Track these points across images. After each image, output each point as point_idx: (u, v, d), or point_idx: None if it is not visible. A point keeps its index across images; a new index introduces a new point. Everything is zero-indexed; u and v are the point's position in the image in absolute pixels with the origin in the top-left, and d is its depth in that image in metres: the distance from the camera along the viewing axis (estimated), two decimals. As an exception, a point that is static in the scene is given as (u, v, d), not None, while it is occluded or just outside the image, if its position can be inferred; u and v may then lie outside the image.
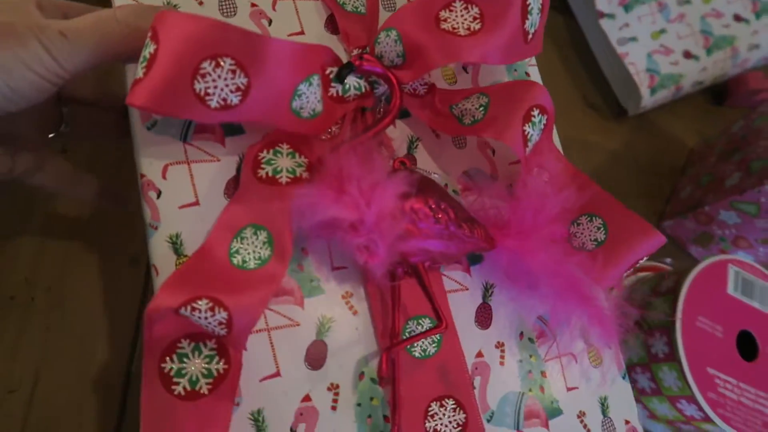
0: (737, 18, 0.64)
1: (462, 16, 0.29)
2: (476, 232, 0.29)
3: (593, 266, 0.30)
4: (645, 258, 0.33)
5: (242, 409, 0.27)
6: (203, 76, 0.24)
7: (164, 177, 0.28)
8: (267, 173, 0.28)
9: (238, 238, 0.27)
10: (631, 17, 0.59)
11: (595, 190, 0.33)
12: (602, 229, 0.32)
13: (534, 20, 0.30)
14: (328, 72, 0.29)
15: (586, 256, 0.31)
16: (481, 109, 0.30)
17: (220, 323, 0.24)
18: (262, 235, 0.27)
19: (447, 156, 0.33)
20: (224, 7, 0.32)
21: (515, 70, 0.37)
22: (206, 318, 0.24)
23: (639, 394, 0.45)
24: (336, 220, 0.26)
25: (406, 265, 0.29)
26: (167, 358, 0.25)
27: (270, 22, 0.32)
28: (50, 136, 0.35)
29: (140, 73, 0.25)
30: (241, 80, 0.25)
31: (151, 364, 0.25)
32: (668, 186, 0.64)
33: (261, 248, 0.27)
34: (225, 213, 0.27)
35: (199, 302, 0.24)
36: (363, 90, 0.31)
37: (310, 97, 0.28)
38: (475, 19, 0.29)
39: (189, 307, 0.24)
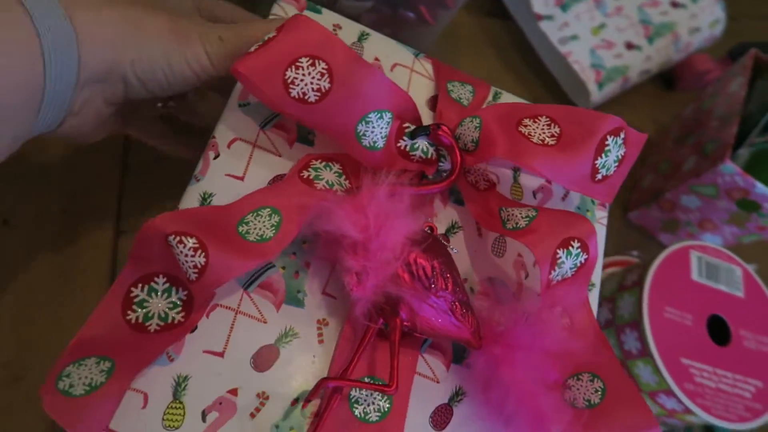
0: (674, 4, 0.64)
1: (542, 129, 0.31)
2: (468, 320, 0.29)
3: (573, 425, 0.29)
4: None
5: (173, 367, 0.27)
6: (297, 68, 0.28)
7: (228, 147, 0.31)
8: (309, 176, 0.30)
9: (254, 214, 0.28)
10: (569, 16, 0.60)
11: (608, 356, 0.32)
12: (600, 393, 0.30)
13: (608, 164, 0.32)
14: (405, 125, 0.32)
15: (571, 411, 0.29)
16: (526, 219, 0.31)
17: (196, 267, 0.25)
18: (275, 219, 0.28)
19: (481, 256, 0.33)
20: (353, 48, 0.36)
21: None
22: (186, 255, 0.25)
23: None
24: (342, 235, 0.27)
25: (387, 315, 0.28)
26: (139, 285, 0.26)
27: None
28: (158, 105, 0.38)
29: (252, 50, 0.28)
30: (325, 84, 0.28)
31: (123, 281, 0.26)
32: (629, 176, 0.64)
33: (268, 228, 0.27)
34: (258, 192, 0.29)
35: (188, 239, 0.25)
36: (429, 156, 0.32)
37: (375, 129, 0.30)
38: (552, 136, 0.31)
39: (177, 238, 0.25)
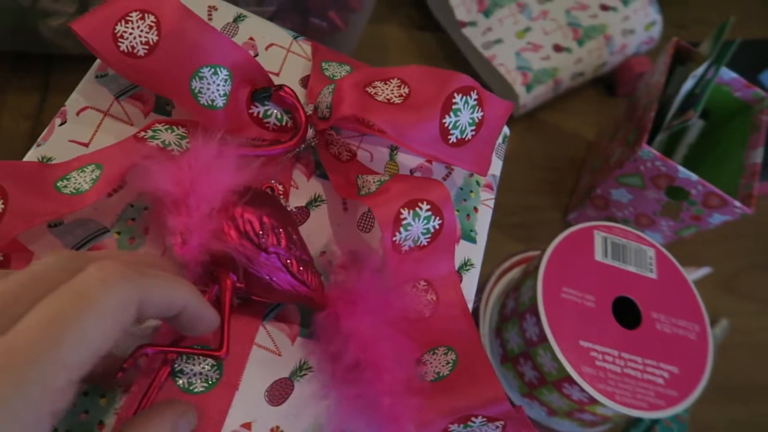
0: (604, 7, 0.64)
1: (391, 89, 0.31)
2: (306, 277, 0.27)
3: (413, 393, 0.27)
4: (480, 417, 0.28)
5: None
6: (127, 22, 0.28)
7: (77, 114, 0.31)
8: (144, 137, 0.29)
9: (79, 170, 0.28)
10: (492, 21, 0.60)
11: (466, 328, 0.30)
12: (450, 365, 0.29)
13: (461, 125, 0.31)
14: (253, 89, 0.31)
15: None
16: (377, 183, 0.30)
17: None
18: (96, 174, 0.27)
19: (345, 231, 0.32)
20: (227, 28, 0.36)
21: (464, 199, 0.36)
22: None
23: (530, 389, 0.41)
24: (163, 193, 0.25)
25: (219, 278, 0.27)
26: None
27: (256, 56, 0.35)
28: None
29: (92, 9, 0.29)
30: (153, 37, 0.28)
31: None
32: (570, 181, 0.62)
33: (86, 183, 0.27)
34: (92, 153, 0.29)
35: None
36: (284, 123, 0.32)
37: (211, 86, 0.30)
38: (400, 96, 0.31)
39: None
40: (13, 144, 0.48)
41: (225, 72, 0.30)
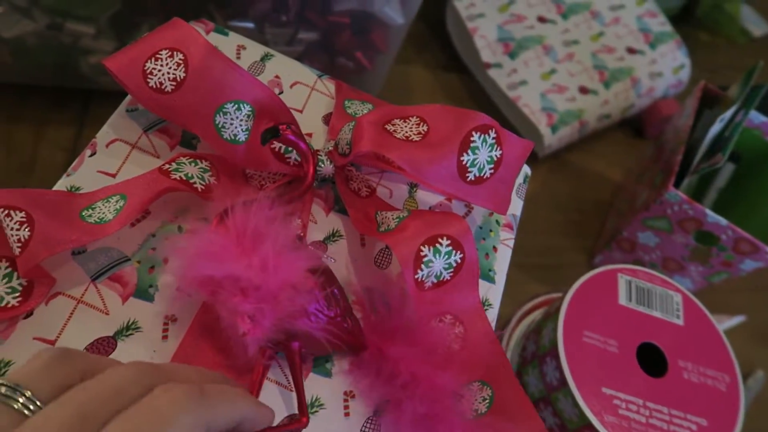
0: (630, 50, 0.64)
1: (410, 127, 0.31)
2: (354, 329, 0.28)
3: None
4: None
5: None
6: (156, 59, 0.30)
7: (107, 146, 0.32)
8: (169, 169, 0.30)
9: (104, 201, 0.28)
10: (517, 63, 0.61)
11: (501, 363, 0.30)
12: (487, 401, 0.29)
13: (479, 163, 0.31)
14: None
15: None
16: (396, 220, 0.31)
17: (19, 240, 0.26)
18: (120, 204, 0.28)
19: (362, 267, 0.33)
20: (254, 66, 0.37)
21: (483, 238, 0.36)
22: (12, 229, 0.26)
23: (551, 435, 0.40)
24: (231, 278, 0.25)
25: (282, 345, 0.27)
26: None
27: (280, 93, 0.37)
28: None
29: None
30: (181, 73, 0.29)
31: None
32: (595, 223, 0.61)
33: (110, 212, 0.28)
34: (118, 183, 0.30)
35: (16, 213, 0.26)
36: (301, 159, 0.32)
37: (234, 121, 0.31)
38: (418, 133, 0.31)
39: (6, 212, 0.26)
40: (48, 174, 0.50)
41: (248, 108, 0.31)
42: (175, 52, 0.30)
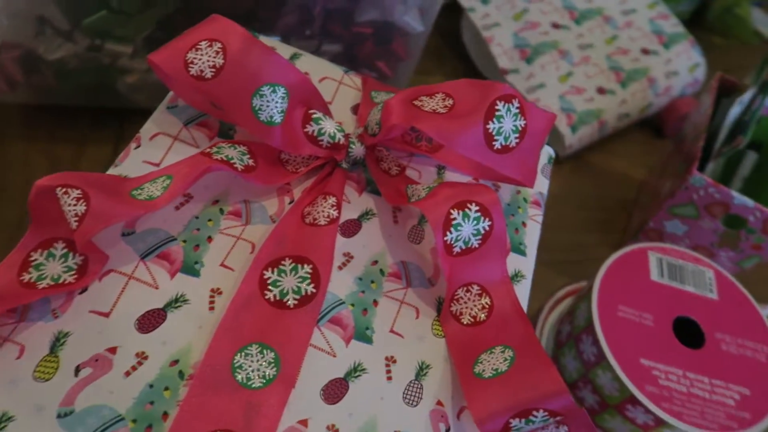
0: (645, 51, 0.66)
1: (436, 102, 0.33)
2: None
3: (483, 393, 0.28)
4: (541, 411, 0.27)
5: (56, 323, 0.27)
6: (197, 50, 0.31)
7: (150, 139, 0.34)
8: (209, 151, 0.32)
9: (152, 182, 0.30)
10: (534, 68, 0.62)
11: (524, 329, 0.31)
12: (508, 361, 0.29)
13: (505, 131, 0.32)
14: (311, 111, 0.34)
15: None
16: (426, 189, 0.32)
17: (76, 215, 0.27)
18: (166, 183, 0.30)
19: (396, 241, 0.34)
20: None
21: (512, 214, 0.37)
22: (69, 205, 0.27)
23: (591, 417, 0.39)
24: None
25: None
26: (39, 250, 0.28)
27: None
28: None
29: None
30: (219, 60, 0.31)
31: (24, 247, 0.28)
32: (621, 220, 0.62)
33: (158, 190, 0.29)
34: (162, 168, 0.31)
35: (73, 190, 0.28)
36: (337, 140, 0.34)
37: (270, 103, 0.32)
38: (445, 107, 0.33)
39: (63, 190, 0.28)
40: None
41: (282, 90, 0.32)
42: (214, 42, 0.32)
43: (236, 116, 0.32)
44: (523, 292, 0.34)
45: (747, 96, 0.48)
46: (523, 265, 0.35)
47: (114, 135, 0.56)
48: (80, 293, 0.28)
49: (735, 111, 0.48)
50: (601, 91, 0.62)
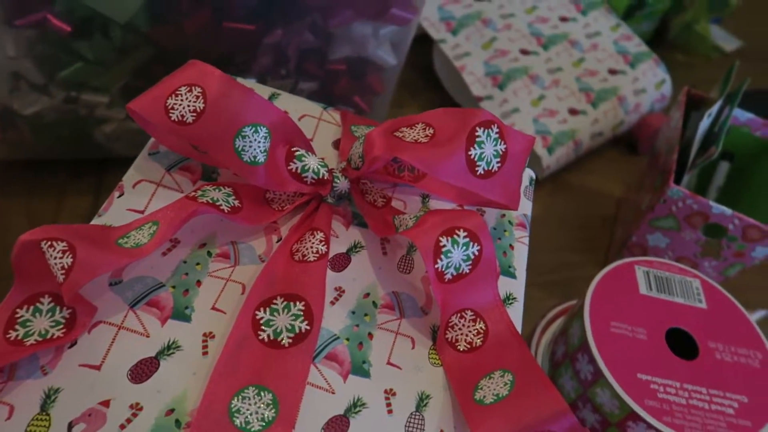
0: (612, 71, 0.68)
1: (417, 132, 0.34)
2: None
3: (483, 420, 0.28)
4: None
5: (45, 380, 0.26)
6: (177, 95, 0.32)
7: (133, 187, 0.34)
8: (194, 195, 0.32)
9: (138, 230, 0.30)
10: (507, 93, 0.64)
11: (521, 352, 0.30)
12: (508, 385, 0.29)
13: (486, 156, 0.33)
14: (294, 149, 0.34)
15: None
16: (414, 219, 0.33)
17: (63, 268, 0.27)
18: (153, 229, 0.30)
19: (386, 272, 0.34)
20: None
21: (499, 238, 0.37)
22: (55, 258, 0.27)
23: (593, 436, 0.39)
24: None
25: None
26: (25, 306, 0.28)
27: None
28: None
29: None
30: (200, 105, 0.31)
31: (8, 305, 0.28)
32: (603, 237, 0.63)
33: (145, 237, 0.29)
34: (148, 215, 0.31)
35: (58, 243, 0.27)
36: (321, 176, 0.34)
37: (253, 143, 0.32)
38: (426, 136, 0.33)
39: (48, 243, 0.27)
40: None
41: (264, 129, 0.33)
42: (193, 87, 0.32)
43: (220, 158, 0.32)
44: (516, 314, 0.34)
45: (715, 108, 0.50)
46: (514, 287, 0.35)
47: (93, 186, 0.55)
48: (69, 347, 0.28)
49: (705, 123, 0.50)
50: (573, 112, 0.64)
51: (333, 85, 0.56)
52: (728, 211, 0.47)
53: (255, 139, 0.32)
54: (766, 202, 0.56)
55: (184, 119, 0.32)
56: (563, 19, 0.71)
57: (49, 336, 0.27)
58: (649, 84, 0.68)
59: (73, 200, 0.54)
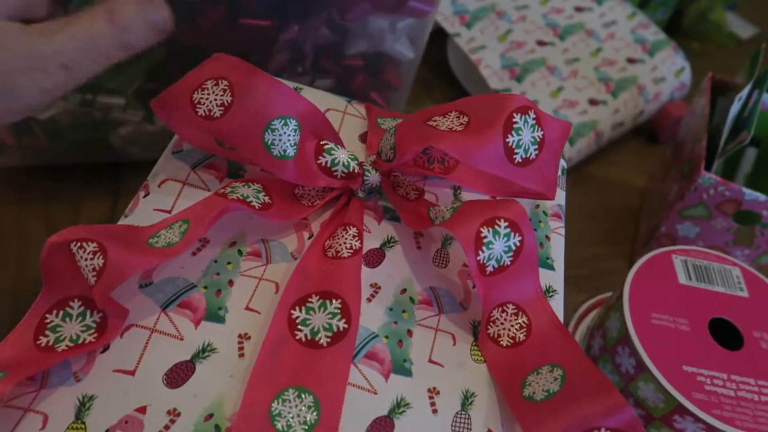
0: (631, 60, 0.66)
1: (451, 120, 0.32)
2: None
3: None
4: (603, 429, 0.26)
5: (78, 387, 0.25)
6: (203, 90, 0.31)
7: (158, 186, 0.33)
8: (224, 192, 0.31)
9: (168, 228, 0.29)
10: (525, 86, 0.63)
11: (570, 346, 0.29)
12: (559, 380, 0.27)
13: (524, 144, 0.32)
14: (323, 142, 0.33)
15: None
16: (450, 210, 0.31)
17: (94, 269, 0.26)
18: (183, 227, 0.29)
19: (421, 267, 0.33)
20: None
21: (534, 229, 0.35)
22: (86, 260, 0.26)
23: None
24: None
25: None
26: (54, 311, 0.27)
27: None
28: None
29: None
30: (227, 98, 0.30)
31: (38, 310, 0.27)
32: (629, 229, 0.61)
33: (176, 236, 0.28)
34: (177, 213, 0.30)
35: (89, 244, 0.26)
36: (352, 169, 0.33)
37: (282, 137, 0.31)
38: (460, 124, 0.32)
39: (78, 244, 0.26)
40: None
41: (294, 122, 0.32)
42: (219, 80, 0.31)
43: (248, 153, 0.31)
44: (557, 307, 0.33)
45: (745, 92, 0.49)
46: (554, 279, 0.34)
47: (111, 190, 0.55)
48: (102, 352, 0.27)
49: (735, 107, 0.48)
50: (593, 102, 0.62)
51: (350, 81, 0.55)
52: (762, 196, 0.46)
53: (285, 132, 0.31)
54: (795, 188, 0.55)
55: (212, 114, 0.31)
56: (578, 9, 0.70)
57: (80, 341, 0.26)
58: (668, 72, 0.67)
59: (90, 205, 0.53)
